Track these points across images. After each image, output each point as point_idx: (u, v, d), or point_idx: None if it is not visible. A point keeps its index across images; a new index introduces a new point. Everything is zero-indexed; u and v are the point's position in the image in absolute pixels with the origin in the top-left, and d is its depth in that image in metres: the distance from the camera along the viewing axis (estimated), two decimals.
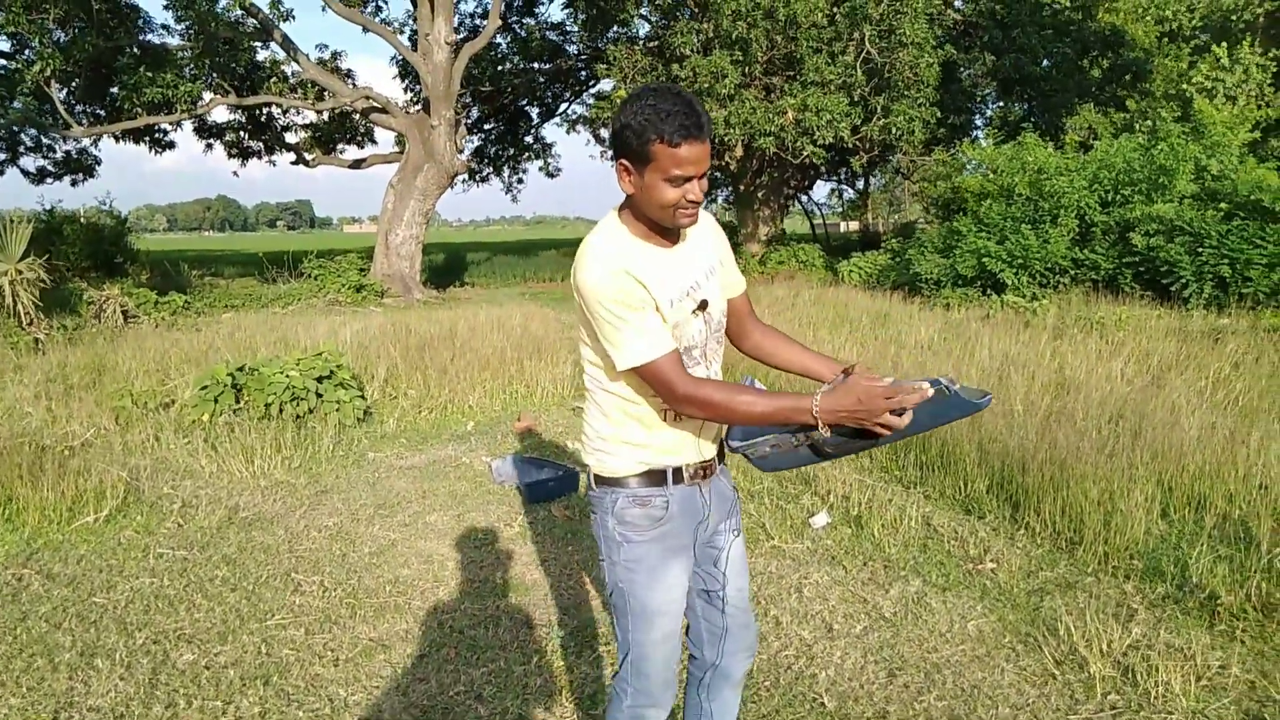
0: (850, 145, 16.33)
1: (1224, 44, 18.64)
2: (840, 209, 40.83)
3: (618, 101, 17.15)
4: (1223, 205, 10.72)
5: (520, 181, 25.79)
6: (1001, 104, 22.20)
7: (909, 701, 2.68)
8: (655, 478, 1.79)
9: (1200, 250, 10.26)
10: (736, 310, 1.96)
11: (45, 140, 18.59)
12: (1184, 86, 19.47)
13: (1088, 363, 6.63)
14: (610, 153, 1.74)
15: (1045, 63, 19.37)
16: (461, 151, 17.13)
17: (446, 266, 23.08)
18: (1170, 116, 13.62)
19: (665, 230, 1.74)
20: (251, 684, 2.82)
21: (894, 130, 15.73)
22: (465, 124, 19.66)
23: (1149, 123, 13.98)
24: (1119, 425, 4.83)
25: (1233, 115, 13.31)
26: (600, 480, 1.83)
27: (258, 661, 2.96)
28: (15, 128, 16.60)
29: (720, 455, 1.92)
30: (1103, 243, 11.79)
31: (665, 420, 1.78)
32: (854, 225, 37.95)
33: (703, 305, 1.78)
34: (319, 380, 6.05)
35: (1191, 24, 23.23)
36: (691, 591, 1.95)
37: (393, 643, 3.10)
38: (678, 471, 1.80)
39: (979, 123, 22.80)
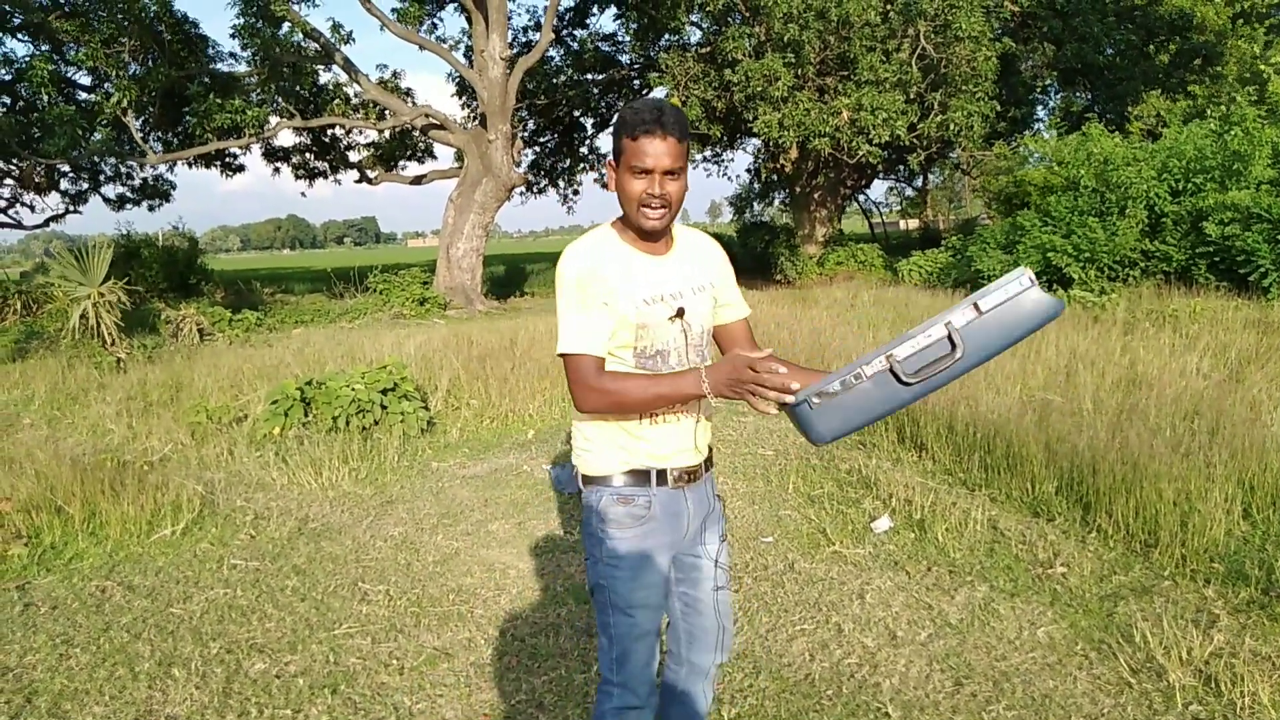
0: (907, 143, 16.05)
1: None
2: (899, 207, 40.20)
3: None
4: None
5: (575, 193, 25.88)
6: (1063, 95, 21.63)
7: (976, 711, 2.62)
8: (639, 477, 1.87)
9: None
10: (733, 335, 2.02)
11: (123, 168, 19.40)
12: (1261, 68, 18.69)
13: (1160, 358, 6.40)
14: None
15: (1108, 50, 18.79)
16: (518, 164, 17.35)
17: (507, 277, 23.40)
18: (1245, 100, 13.08)
19: (652, 238, 1.84)
20: (320, 692, 2.89)
21: (952, 126, 15.42)
22: (521, 137, 19.92)
23: (1221, 108, 13.43)
24: (1195, 423, 4.65)
25: None
26: (587, 480, 1.91)
27: (326, 670, 3.04)
28: (96, 158, 17.36)
29: (708, 464, 1.98)
30: (1174, 233, 11.38)
31: (648, 422, 1.85)
32: (914, 223, 37.33)
33: (680, 313, 1.84)
34: (383, 393, 6.19)
35: (1267, 2, 22.29)
36: (672, 595, 2.02)
37: (456, 651, 3.15)
38: (662, 474, 1.87)
39: (1041, 115, 22.27)
